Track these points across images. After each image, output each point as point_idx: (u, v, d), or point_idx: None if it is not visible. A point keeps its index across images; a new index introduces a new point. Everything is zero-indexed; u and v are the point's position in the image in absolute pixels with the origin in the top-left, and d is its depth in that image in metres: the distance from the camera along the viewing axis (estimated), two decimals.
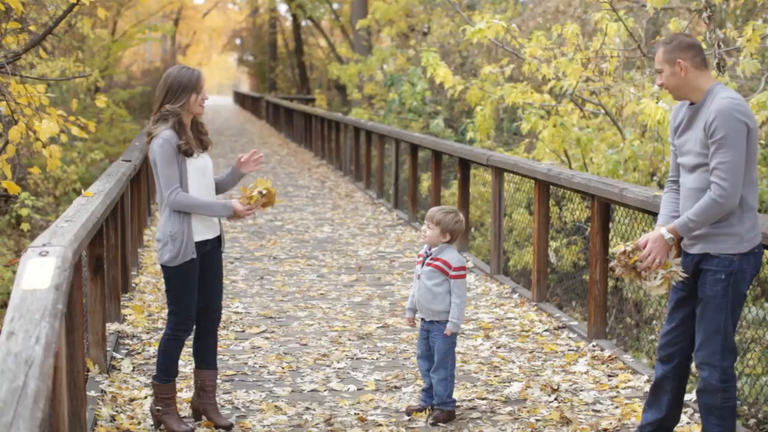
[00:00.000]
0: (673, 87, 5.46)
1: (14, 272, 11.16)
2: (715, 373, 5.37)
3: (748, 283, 5.41)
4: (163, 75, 6.19)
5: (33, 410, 3.24)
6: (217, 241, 6.31)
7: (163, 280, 6.25)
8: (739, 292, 5.38)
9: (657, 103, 11.71)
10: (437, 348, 6.46)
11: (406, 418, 6.48)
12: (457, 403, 6.64)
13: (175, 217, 6.02)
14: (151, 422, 6.35)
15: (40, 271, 4.40)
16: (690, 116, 5.44)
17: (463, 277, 6.49)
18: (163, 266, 6.15)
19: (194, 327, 6.34)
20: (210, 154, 6.37)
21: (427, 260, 6.47)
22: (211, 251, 6.25)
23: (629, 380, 7.22)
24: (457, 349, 8.05)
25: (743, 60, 12.00)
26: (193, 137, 6.15)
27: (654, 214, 7.33)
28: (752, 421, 8.39)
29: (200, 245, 6.13)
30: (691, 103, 5.45)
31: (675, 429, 5.95)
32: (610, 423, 6.38)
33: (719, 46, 11.05)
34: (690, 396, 6.41)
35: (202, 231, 6.14)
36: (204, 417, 6.35)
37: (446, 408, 6.45)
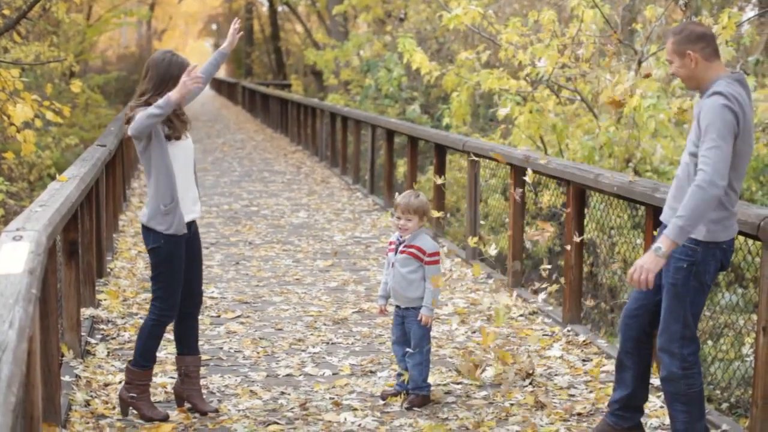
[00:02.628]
0: (684, 77, 5.39)
1: None
2: (675, 360, 5.37)
3: (713, 275, 5.35)
4: (152, 61, 6.12)
5: (6, 395, 3.23)
6: (195, 225, 6.31)
7: (147, 265, 6.23)
8: (701, 282, 5.32)
9: (634, 92, 11.75)
10: (413, 333, 6.48)
11: (381, 402, 6.49)
12: (432, 388, 6.66)
13: (166, 192, 5.96)
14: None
15: (14, 255, 4.39)
16: (697, 109, 5.30)
17: (438, 262, 6.50)
18: (152, 249, 6.08)
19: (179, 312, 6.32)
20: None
21: (401, 248, 6.46)
22: (192, 235, 6.23)
23: (604, 364, 7.25)
24: (432, 333, 8.08)
25: (719, 47, 12.04)
26: (176, 120, 6.12)
27: (629, 200, 7.37)
28: (725, 405, 8.45)
29: (186, 226, 6.12)
30: (701, 95, 5.33)
31: (650, 413, 5.98)
32: (584, 407, 6.41)
33: None
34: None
35: (189, 210, 6.12)
36: (187, 403, 6.31)
37: (421, 392, 6.47)
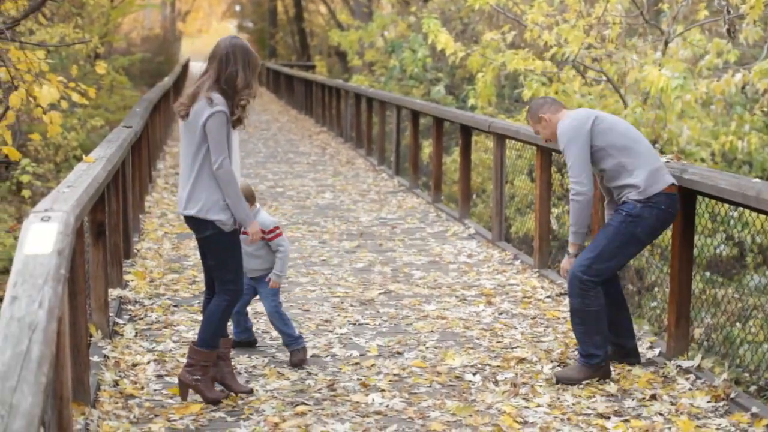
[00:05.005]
0: (549, 136, 6.69)
1: (16, 238, 11.16)
2: (575, 279, 6.39)
3: (647, 232, 6.35)
4: (235, 46, 6.04)
5: (37, 375, 3.23)
6: None
7: (174, 246, 6.19)
8: (632, 233, 6.34)
9: (660, 70, 11.68)
10: (265, 307, 6.81)
11: (409, 383, 6.48)
12: (459, 369, 6.66)
13: (220, 189, 5.96)
14: (154, 387, 6.34)
15: (43, 236, 4.39)
16: None
17: (280, 234, 6.85)
18: (211, 236, 6.01)
19: (209, 296, 6.32)
20: None
21: (242, 230, 6.41)
22: None
23: None
24: (459, 315, 8.08)
25: (746, 27, 11.95)
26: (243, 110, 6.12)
27: None
28: (753, 388, 8.40)
29: None
30: None
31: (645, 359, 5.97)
32: (614, 389, 6.38)
33: (728, 12, 10.99)
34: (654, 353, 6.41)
35: None
36: (219, 384, 6.30)
37: (298, 347, 6.86)
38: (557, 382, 6.47)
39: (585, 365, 6.50)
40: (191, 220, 6.07)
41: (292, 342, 6.88)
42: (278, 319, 6.90)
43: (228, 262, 6.10)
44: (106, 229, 7.64)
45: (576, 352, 6.76)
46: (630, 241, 6.40)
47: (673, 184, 6.42)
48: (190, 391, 6.17)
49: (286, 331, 6.88)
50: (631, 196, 6.35)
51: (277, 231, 6.86)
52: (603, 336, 6.49)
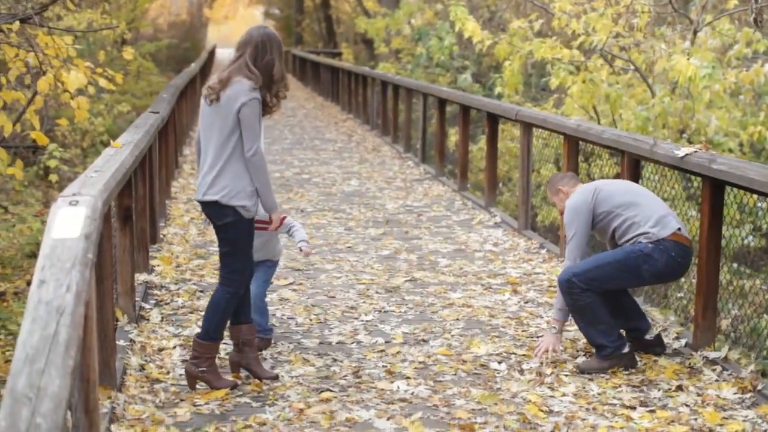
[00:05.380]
0: (564, 209, 6.87)
1: (43, 222, 11.22)
2: (565, 279, 6.53)
3: (651, 273, 6.48)
4: (269, 35, 6.06)
5: (64, 358, 3.24)
6: None
7: (200, 232, 6.18)
8: (638, 267, 6.49)
9: (689, 59, 11.61)
10: (252, 289, 6.62)
11: (434, 371, 6.47)
12: (484, 357, 6.67)
13: (247, 176, 5.96)
14: (180, 371, 6.36)
15: (71, 220, 4.40)
16: None
17: (285, 218, 6.95)
18: (229, 224, 5.98)
19: None
20: None
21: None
22: None
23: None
24: (484, 303, 8.06)
25: None
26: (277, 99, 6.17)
27: (684, 171, 7.27)
28: None
29: None
30: None
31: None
32: (640, 379, 6.36)
33: (756, 1, 10.90)
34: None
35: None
36: (244, 370, 6.31)
37: (267, 336, 6.90)
38: (581, 373, 6.45)
39: (600, 357, 6.54)
40: (212, 206, 6.02)
41: (260, 331, 6.80)
42: (258, 305, 6.85)
43: (240, 251, 6.08)
44: (133, 214, 7.66)
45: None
46: (632, 273, 6.55)
47: (679, 229, 6.57)
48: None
49: (258, 320, 6.78)
50: (643, 239, 6.53)
51: (282, 215, 6.83)
52: (607, 324, 6.56)
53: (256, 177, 5.94)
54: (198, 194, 6.12)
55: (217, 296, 6.14)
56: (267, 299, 7.13)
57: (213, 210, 6.04)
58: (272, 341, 7.00)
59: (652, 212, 6.59)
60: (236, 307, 6.28)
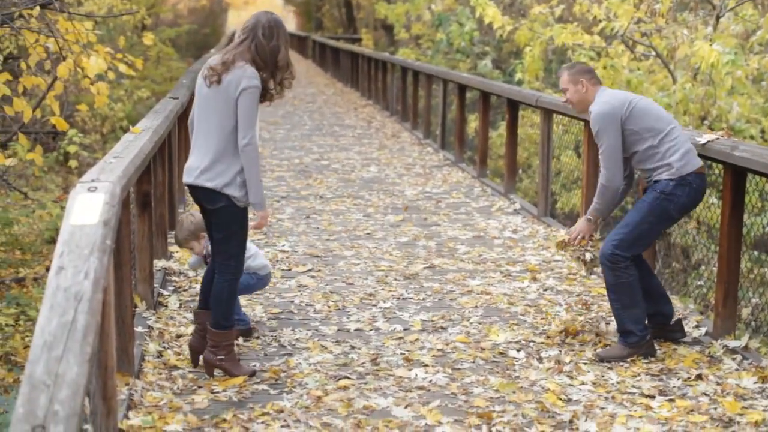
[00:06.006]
0: (575, 102, 6.72)
1: (62, 208, 11.24)
2: (606, 254, 6.47)
3: (678, 209, 6.45)
4: (278, 22, 5.98)
5: (82, 345, 3.25)
6: None
7: (210, 223, 6.08)
8: (664, 209, 6.43)
9: (711, 45, 11.54)
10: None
11: (452, 359, 6.46)
12: (503, 345, 6.66)
13: (239, 162, 5.89)
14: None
15: (89, 206, 4.39)
16: None
17: None
18: (223, 208, 5.89)
19: (212, 268, 6.25)
20: None
21: None
22: None
23: None
24: (503, 291, 8.04)
25: None
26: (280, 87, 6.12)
27: (706, 158, 7.22)
28: None
29: None
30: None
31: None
32: (659, 368, 6.33)
33: None
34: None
35: None
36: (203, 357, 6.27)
37: (242, 326, 6.79)
38: (600, 361, 6.43)
39: (624, 344, 6.51)
40: (203, 191, 5.92)
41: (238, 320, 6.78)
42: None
43: (235, 237, 6.01)
44: (152, 200, 7.66)
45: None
46: (661, 218, 6.50)
47: (702, 165, 6.52)
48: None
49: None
50: (664, 175, 6.42)
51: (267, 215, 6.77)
52: (640, 310, 6.55)
53: (247, 167, 5.81)
54: (188, 177, 5.96)
55: (218, 286, 6.06)
56: (286, 285, 7.12)
57: (204, 195, 5.93)
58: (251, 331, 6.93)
59: (679, 145, 6.47)
60: (206, 292, 6.25)
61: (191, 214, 6.89)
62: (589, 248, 6.83)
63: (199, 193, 5.97)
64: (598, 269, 7.15)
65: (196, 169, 5.91)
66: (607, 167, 6.49)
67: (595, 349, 6.64)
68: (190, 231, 6.82)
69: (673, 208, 6.44)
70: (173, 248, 9.09)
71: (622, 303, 6.53)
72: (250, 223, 6.15)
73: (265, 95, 5.96)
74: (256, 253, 6.92)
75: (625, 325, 6.51)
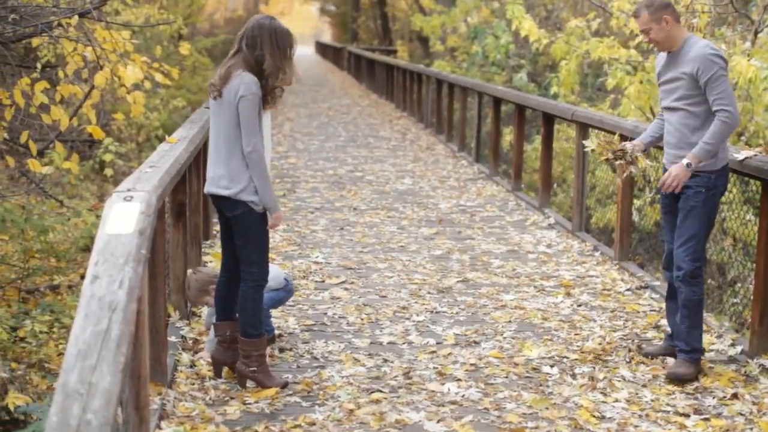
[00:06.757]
0: (661, 40, 6.43)
1: (98, 216, 11.29)
2: (687, 271, 6.38)
3: (720, 195, 6.49)
4: (263, 27, 5.94)
5: (116, 354, 3.24)
6: None
7: (232, 231, 6.08)
8: (714, 204, 6.44)
9: (749, 60, 11.45)
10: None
11: (485, 373, 6.42)
12: (536, 360, 6.62)
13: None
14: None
15: (125, 215, 4.40)
16: (669, 62, 6.49)
17: None
18: (241, 215, 5.93)
19: (226, 278, 6.25)
20: (290, 104, 6.27)
21: None
22: None
23: (713, 343, 7.07)
24: (537, 306, 7.99)
25: None
26: (278, 91, 6.09)
27: (742, 174, 7.16)
28: None
29: None
30: (669, 52, 6.49)
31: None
32: (694, 386, 6.27)
33: None
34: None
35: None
36: (226, 368, 6.29)
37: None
38: (672, 381, 6.33)
39: (692, 362, 6.44)
40: (222, 200, 5.99)
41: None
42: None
43: (255, 242, 6.02)
44: (187, 209, 7.68)
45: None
46: (713, 213, 6.50)
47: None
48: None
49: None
50: (705, 166, 6.32)
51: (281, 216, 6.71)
52: (701, 327, 6.55)
53: (254, 174, 5.87)
54: (208, 187, 6.05)
55: (242, 295, 6.08)
56: (319, 297, 7.09)
57: (223, 203, 6.01)
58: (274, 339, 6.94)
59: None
60: (230, 302, 6.24)
61: (193, 272, 6.89)
62: (634, 150, 6.68)
63: (218, 201, 6.06)
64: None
65: (211, 178, 6.01)
66: (730, 104, 6.22)
67: (630, 367, 6.59)
68: (198, 289, 6.76)
69: (719, 198, 6.50)
70: (207, 258, 9.11)
71: (694, 321, 6.46)
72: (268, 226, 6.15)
73: (265, 102, 5.97)
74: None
75: (694, 343, 6.45)
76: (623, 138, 9.19)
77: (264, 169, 5.91)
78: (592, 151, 7.03)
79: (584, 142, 7.46)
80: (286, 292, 6.95)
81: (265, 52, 5.90)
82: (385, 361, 6.65)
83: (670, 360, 6.67)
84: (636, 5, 6.65)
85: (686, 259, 6.39)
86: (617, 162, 6.75)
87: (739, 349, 6.91)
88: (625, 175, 6.81)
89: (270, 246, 6.27)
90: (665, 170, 6.59)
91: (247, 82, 5.83)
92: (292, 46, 5.99)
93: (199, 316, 7.51)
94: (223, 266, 6.29)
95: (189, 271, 7.12)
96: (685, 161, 6.31)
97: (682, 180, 6.34)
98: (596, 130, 10.59)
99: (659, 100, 6.70)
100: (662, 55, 6.60)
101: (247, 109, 5.82)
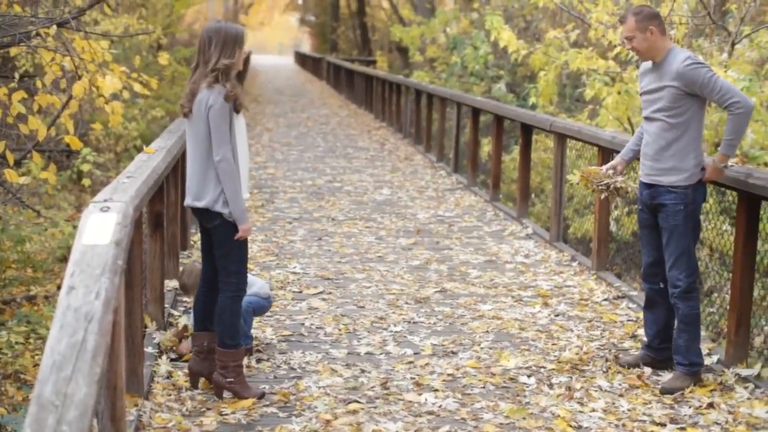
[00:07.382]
0: (643, 50, 6.49)
1: (75, 227, 11.25)
2: (682, 288, 6.43)
3: (700, 209, 6.56)
4: (209, 30, 5.99)
5: (92, 365, 3.24)
6: None
7: (212, 241, 6.09)
8: (696, 218, 6.50)
9: (725, 71, 11.51)
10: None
11: (462, 384, 6.43)
12: (514, 370, 6.62)
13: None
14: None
15: (102, 226, 4.40)
16: (652, 73, 6.55)
17: None
18: (219, 226, 5.95)
19: (205, 289, 6.27)
20: (270, 113, 6.30)
21: None
22: None
23: None
24: (515, 316, 8.01)
25: None
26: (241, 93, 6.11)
27: (718, 185, 7.19)
28: None
29: None
30: (653, 63, 6.54)
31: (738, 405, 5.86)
32: (672, 396, 6.29)
33: None
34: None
35: (244, 190, 6.08)
36: (203, 379, 6.28)
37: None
38: (665, 394, 6.34)
39: (688, 373, 6.49)
40: (200, 211, 6.03)
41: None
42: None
43: (234, 253, 6.04)
44: (164, 220, 7.67)
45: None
46: (697, 224, 6.55)
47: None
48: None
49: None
50: (681, 181, 6.42)
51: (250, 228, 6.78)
52: (699, 340, 6.60)
53: (225, 184, 5.89)
54: (187, 200, 6.09)
55: (221, 305, 6.10)
56: (296, 307, 7.09)
57: (201, 214, 6.06)
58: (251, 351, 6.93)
59: (699, 145, 6.54)
60: (207, 313, 6.24)
61: (199, 262, 6.89)
62: (616, 179, 6.83)
63: (197, 213, 6.11)
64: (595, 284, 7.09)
65: (188, 190, 6.07)
66: (735, 94, 6.28)
67: (606, 377, 6.61)
68: (198, 276, 6.74)
69: (699, 211, 6.55)
70: None
71: (691, 335, 6.50)
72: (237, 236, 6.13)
73: (236, 106, 5.98)
74: (252, 281, 6.88)
75: (691, 358, 6.49)
76: (603, 157, 9.24)
77: (234, 178, 5.91)
78: (576, 184, 7.07)
79: (567, 176, 7.54)
80: (267, 302, 6.97)
81: (217, 51, 5.92)
82: (363, 371, 6.65)
83: (647, 369, 6.70)
84: (624, 10, 6.66)
85: (681, 276, 6.45)
86: (602, 195, 6.91)
87: (715, 358, 6.94)
88: (613, 205, 6.94)
89: (249, 256, 6.27)
90: (642, 183, 6.65)
91: (216, 92, 5.86)
92: (234, 39, 5.98)
93: (176, 327, 7.49)
94: (203, 277, 6.29)
95: (191, 260, 7.13)
96: (719, 165, 6.48)
97: (718, 179, 6.59)
98: (578, 163, 10.63)
99: (641, 110, 6.75)
100: (646, 65, 6.63)
101: (217, 119, 5.85)
